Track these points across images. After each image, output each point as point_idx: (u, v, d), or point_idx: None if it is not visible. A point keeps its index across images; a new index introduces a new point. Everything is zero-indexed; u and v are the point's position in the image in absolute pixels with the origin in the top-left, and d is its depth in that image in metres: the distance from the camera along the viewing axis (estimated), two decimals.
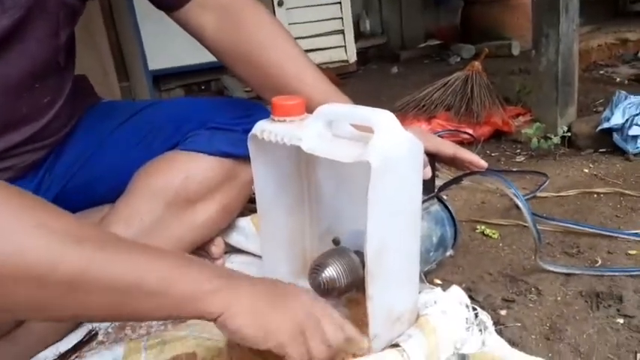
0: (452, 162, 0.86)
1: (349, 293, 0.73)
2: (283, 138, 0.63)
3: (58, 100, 0.82)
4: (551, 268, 0.84)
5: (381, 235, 0.60)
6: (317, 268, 0.70)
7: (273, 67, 0.83)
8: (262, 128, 0.66)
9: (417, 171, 0.62)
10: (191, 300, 0.52)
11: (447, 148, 0.84)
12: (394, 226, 0.62)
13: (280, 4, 2.77)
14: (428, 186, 0.83)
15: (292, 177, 0.76)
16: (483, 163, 0.85)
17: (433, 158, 0.83)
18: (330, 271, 0.69)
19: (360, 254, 0.72)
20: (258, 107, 0.93)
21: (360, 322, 0.71)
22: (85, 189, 0.89)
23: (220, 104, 0.94)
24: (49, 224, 0.47)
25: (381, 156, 0.56)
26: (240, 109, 0.92)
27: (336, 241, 0.77)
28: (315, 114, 0.63)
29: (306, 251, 0.80)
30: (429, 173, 0.79)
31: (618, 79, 2.11)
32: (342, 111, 0.64)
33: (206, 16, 0.83)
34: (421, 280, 0.82)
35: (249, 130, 0.88)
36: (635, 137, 1.30)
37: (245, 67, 0.85)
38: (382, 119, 0.58)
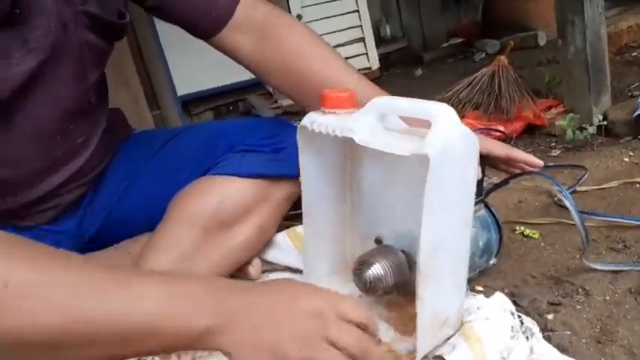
0: (505, 163, 0.84)
1: (391, 295, 0.72)
2: (335, 130, 0.63)
3: (93, 139, 0.85)
4: (598, 267, 0.81)
5: (435, 233, 0.58)
6: (362, 265, 0.69)
7: (315, 76, 0.84)
8: (312, 120, 0.66)
9: (473, 167, 0.61)
10: (183, 339, 0.50)
11: (499, 148, 0.83)
12: (449, 225, 0.61)
13: (299, 17, 2.80)
14: (477, 189, 0.82)
15: (336, 173, 0.76)
16: (539, 162, 0.83)
17: (483, 161, 0.81)
18: (377, 269, 0.68)
19: (407, 254, 0.71)
20: (284, 126, 0.94)
21: (402, 325, 0.70)
22: (126, 220, 0.91)
23: (247, 126, 0.95)
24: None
25: (440, 149, 0.55)
26: (266, 129, 0.93)
27: (378, 240, 0.75)
28: (368, 106, 0.62)
29: (347, 249, 0.80)
30: (479, 174, 0.77)
31: None
32: (398, 104, 0.62)
33: (242, 37, 0.86)
34: None
35: (278, 150, 0.89)
36: None
37: (286, 80, 0.87)
38: (441, 112, 0.57)
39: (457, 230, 0.62)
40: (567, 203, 0.76)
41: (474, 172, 0.61)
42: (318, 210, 0.75)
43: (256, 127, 0.94)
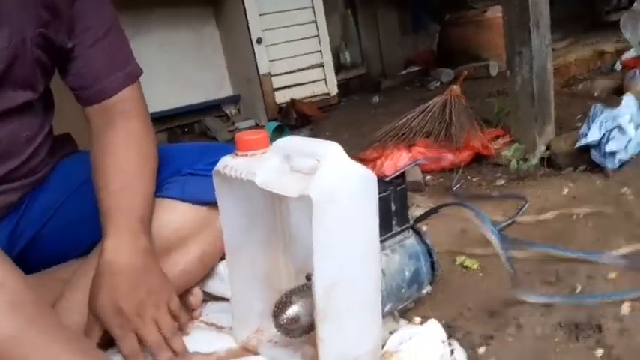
0: None
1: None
2: (241, 173, 0.63)
3: (37, 138, 0.84)
4: (529, 300, 0.82)
5: (329, 273, 0.58)
6: (279, 306, 0.68)
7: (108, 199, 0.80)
8: (225, 164, 0.66)
9: (370, 204, 0.61)
10: None
11: None
12: (345, 264, 0.60)
13: (259, 41, 2.80)
14: (402, 217, 0.81)
15: (265, 212, 0.75)
16: None
17: (404, 191, 0.81)
18: (292, 310, 0.67)
19: None
20: None
21: None
22: (60, 234, 0.88)
23: (198, 150, 0.93)
24: None
25: (324, 190, 0.55)
26: (217, 154, 0.91)
27: (308, 277, 0.74)
28: (272, 148, 0.63)
29: (283, 288, 0.78)
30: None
31: (596, 93, 2.10)
32: (293, 145, 0.64)
33: (96, 121, 0.85)
34: (394, 319, 0.80)
35: None
36: (612, 153, 1.29)
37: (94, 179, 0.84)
38: (327, 152, 0.58)
39: (358, 269, 0.62)
40: (491, 238, 0.77)
41: (371, 207, 0.61)
42: (245, 252, 0.74)
43: (207, 151, 0.92)
